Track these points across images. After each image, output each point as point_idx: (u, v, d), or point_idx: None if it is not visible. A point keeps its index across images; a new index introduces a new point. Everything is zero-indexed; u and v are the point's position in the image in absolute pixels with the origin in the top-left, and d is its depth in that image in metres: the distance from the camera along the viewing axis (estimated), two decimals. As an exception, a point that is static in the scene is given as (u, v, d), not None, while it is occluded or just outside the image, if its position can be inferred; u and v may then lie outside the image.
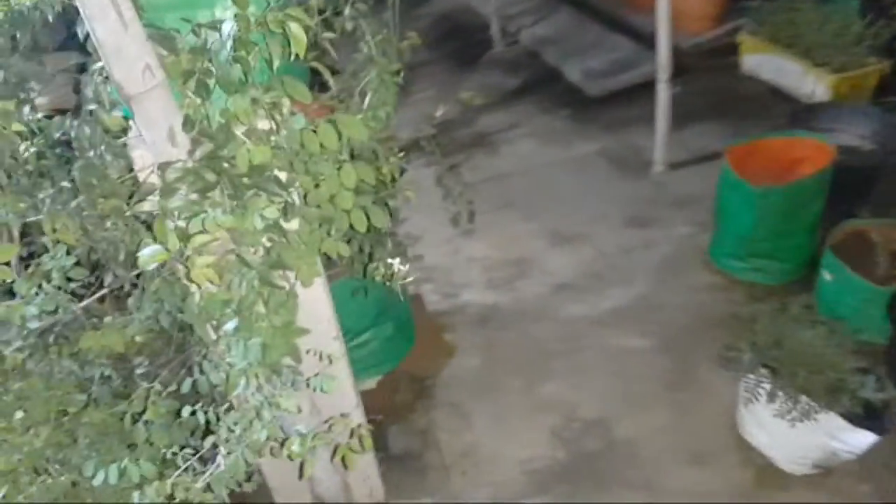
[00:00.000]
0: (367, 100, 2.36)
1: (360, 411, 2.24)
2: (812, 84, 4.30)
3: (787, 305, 2.45)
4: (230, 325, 1.50)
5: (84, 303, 1.82)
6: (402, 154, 2.66)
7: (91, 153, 1.62)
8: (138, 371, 1.91)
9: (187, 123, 1.52)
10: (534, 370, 2.94)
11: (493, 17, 5.86)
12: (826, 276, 2.93)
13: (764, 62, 4.66)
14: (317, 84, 3.70)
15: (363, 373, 2.80)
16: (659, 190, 3.94)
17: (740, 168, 3.16)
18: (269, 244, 1.54)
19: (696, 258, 3.41)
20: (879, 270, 2.88)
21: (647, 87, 4.37)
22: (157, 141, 1.55)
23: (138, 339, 1.88)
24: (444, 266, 3.58)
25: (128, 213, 1.57)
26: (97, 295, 1.79)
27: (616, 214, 3.80)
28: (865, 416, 2.26)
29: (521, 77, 5.41)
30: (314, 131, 1.58)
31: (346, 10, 2.30)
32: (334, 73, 2.42)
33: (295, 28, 1.36)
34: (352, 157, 1.82)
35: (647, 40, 5.15)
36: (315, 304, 1.97)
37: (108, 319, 1.85)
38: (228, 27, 1.38)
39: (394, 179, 2.38)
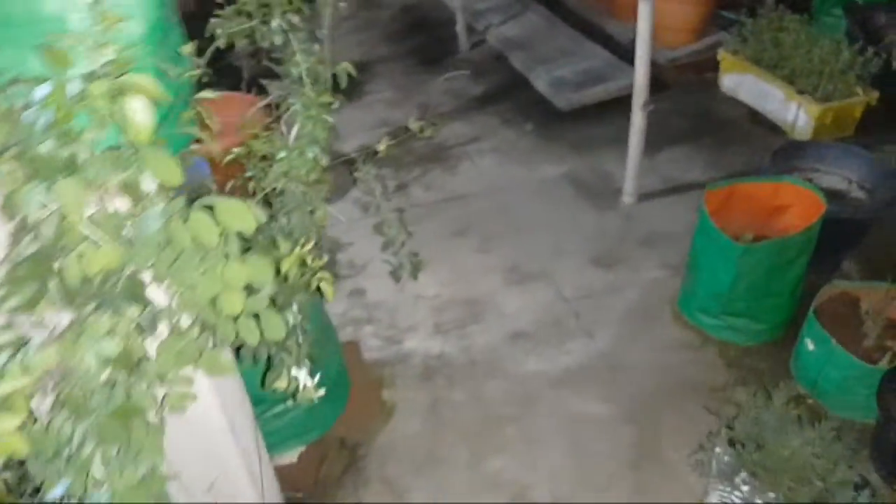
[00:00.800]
0: (292, 134, 1.97)
1: (265, 520, 1.86)
2: (794, 112, 4.01)
3: (771, 396, 2.14)
4: (57, 492, 1.10)
5: None
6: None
7: None
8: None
9: (7, 209, 1.12)
10: (482, 439, 2.60)
11: (459, 12, 5.42)
12: (808, 344, 2.63)
13: (744, 83, 4.35)
14: (254, 87, 3.22)
15: (282, 445, 2.42)
16: (628, 224, 3.61)
17: (718, 213, 2.84)
18: (111, 383, 1.14)
19: (665, 308, 3.09)
20: (868, 342, 2.60)
21: (619, 103, 4.03)
22: (-39, 233, 1.14)
23: None
24: (388, 304, 3.20)
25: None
26: None
27: (580, 250, 3.45)
28: (852, 532, 1.99)
29: (485, 83, 5.01)
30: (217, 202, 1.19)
31: (275, 22, 1.90)
32: (274, 77, 2.03)
33: (138, 109, 0.94)
34: (247, 241, 1.42)
35: (622, 50, 4.79)
36: (206, 410, 1.58)
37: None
38: (43, 92, 0.97)
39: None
